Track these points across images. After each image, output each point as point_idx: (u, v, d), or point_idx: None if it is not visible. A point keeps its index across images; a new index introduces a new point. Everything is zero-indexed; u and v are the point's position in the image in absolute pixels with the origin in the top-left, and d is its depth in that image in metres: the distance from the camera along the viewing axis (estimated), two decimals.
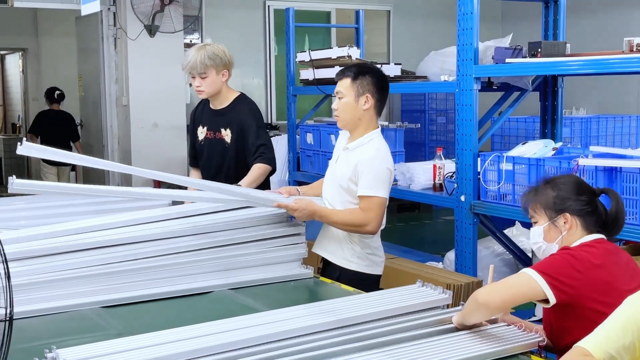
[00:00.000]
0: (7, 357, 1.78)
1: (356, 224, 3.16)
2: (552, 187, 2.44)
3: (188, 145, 4.60)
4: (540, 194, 2.45)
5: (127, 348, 2.11)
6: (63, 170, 9.07)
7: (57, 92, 9.05)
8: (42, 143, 8.88)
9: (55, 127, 8.82)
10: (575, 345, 1.86)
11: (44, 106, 9.68)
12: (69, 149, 9.02)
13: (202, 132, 4.06)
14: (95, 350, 2.09)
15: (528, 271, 2.27)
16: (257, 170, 3.82)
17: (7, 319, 1.77)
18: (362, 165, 3.16)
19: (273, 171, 3.95)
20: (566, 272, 2.24)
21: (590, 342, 1.84)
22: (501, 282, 2.31)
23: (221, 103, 3.99)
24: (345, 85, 3.22)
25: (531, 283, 2.23)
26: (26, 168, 11.77)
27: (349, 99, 3.22)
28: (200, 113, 4.14)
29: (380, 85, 3.25)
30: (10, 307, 1.78)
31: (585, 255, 2.28)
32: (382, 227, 3.33)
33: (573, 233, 2.39)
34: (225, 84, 3.96)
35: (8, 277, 1.76)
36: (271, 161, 3.88)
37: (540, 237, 2.45)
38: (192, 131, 4.19)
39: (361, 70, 3.24)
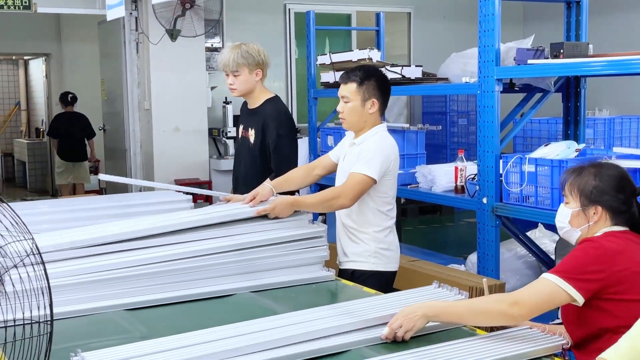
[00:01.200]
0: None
1: (329, 197, 3.23)
2: (594, 175, 2.39)
3: None
4: (582, 178, 2.41)
5: (150, 351, 2.13)
6: (79, 167, 9.64)
7: (70, 95, 9.64)
8: (60, 143, 9.44)
9: (72, 127, 9.43)
10: (598, 357, 1.83)
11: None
12: (85, 146, 9.56)
13: (240, 131, 4.10)
14: (120, 353, 2.11)
15: (551, 278, 2.24)
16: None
17: (49, 320, 1.79)
18: (363, 151, 3.28)
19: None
20: (591, 267, 2.24)
21: (614, 354, 1.80)
22: (528, 294, 2.27)
23: (254, 103, 4.01)
24: (351, 90, 3.31)
25: (556, 291, 2.23)
26: (50, 172, 11.89)
27: (355, 104, 3.31)
28: (242, 112, 4.17)
29: (384, 88, 3.36)
30: (50, 309, 1.79)
31: (607, 244, 2.28)
32: (393, 220, 3.41)
33: (600, 225, 2.38)
34: (259, 83, 3.96)
35: (47, 280, 1.78)
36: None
37: (566, 220, 2.44)
38: (236, 130, 4.30)
39: (366, 75, 3.31)
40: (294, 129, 4.05)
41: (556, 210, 3.83)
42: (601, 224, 2.38)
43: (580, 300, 2.23)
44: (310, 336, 2.25)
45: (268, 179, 3.54)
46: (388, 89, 3.39)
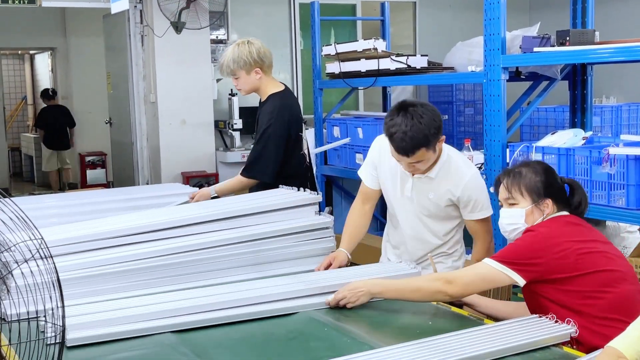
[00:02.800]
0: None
1: (485, 254, 2.96)
2: (534, 172, 2.57)
3: None
4: (525, 178, 2.56)
5: (121, 306, 2.44)
6: (63, 153, 10.89)
7: (51, 89, 10.98)
8: (46, 133, 10.53)
9: (57, 118, 10.63)
10: (607, 345, 1.85)
11: (74, 105, 9.93)
12: (67, 135, 10.82)
13: None
14: (92, 307, 2.41)
15: (490, 262, 2.42)
16: (235, 180, 3.98)
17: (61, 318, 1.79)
18: (466, 188, 2.99)
19: (266, 183, 3.82)
20: (528, 254, 2.40)
21: (622, 343, 1.82)
22: (464, 274, 2.51)
23: (263, 98, 4.05)
24: (422, 154, 2.87)
25: (494, 273, 2.41)
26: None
27: (430, 157, 2.92)
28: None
29: (439, 120, 2.89)
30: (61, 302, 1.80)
31: (544, 230, 2.45)
32: None
33: (549, 215, 2.55)
34: (264, 79, 3.97)
35: (57, 275, 1.79)
36: (257, 174, 3.87)
37: (521, 219, 2.55)
38: None
39: (426, 132, 2.82)
40: (288, 128, 3.92)
41: None
42: (549, 214, 2.55)
43: (520, 281, 2.40)
44: (265, 299, 2.54)
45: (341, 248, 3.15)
46: (439, 116, 2.92)
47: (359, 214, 3.27)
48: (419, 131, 2.79)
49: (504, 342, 2.14)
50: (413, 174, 3.02)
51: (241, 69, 3.90)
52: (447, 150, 3.03)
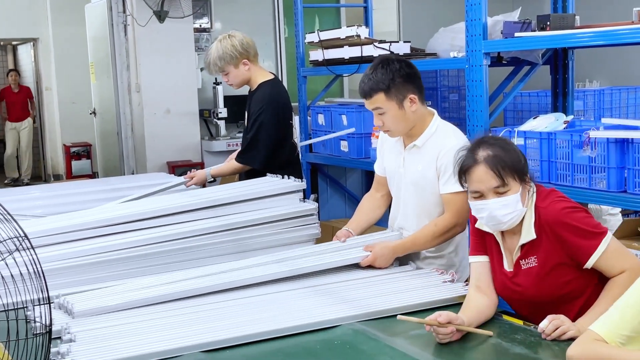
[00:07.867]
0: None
1: (443, 230, 2.86)
2: (505, 150, 2.31)
3: None
4: (506, 159, 2.29)
5: (127, 289, 2.51)
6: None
7: None
8: None
9: None
10: (588, 327, 1.83)
11: (57, 95, 9.90)
12: None
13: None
14: (96, 293, 2.48)
15: (610, 238, 2.28)
16: (229, 164, 4.03)
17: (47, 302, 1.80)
18: (447, 154, 2.79)
19: (258, 170, 3.87)
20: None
21: (602, 326, 1.79)
22: (631, 262, 2.25)
23: (253, 87, 4.08)
24: (381, 101, 2.82)
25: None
26: (42, 156, 11.90)
27: (393, 112, 2.84)
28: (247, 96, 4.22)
29: (413, 76, 2.88)
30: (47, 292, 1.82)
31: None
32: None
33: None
34: (253, 69, 4.02)
35: (41, 267, 1.80)
36: (249, 160, 3.93)
37: (519, 205, 2.30)
38: None
39: (389, 77, 2.81)
40: (279, 116, 3.97)
41: (548, 183, 3.85)
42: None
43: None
44: (249, 281, 2.62)
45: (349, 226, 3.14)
46: (415, 73, 2.90)
47: (368, 198, 3.27)
48: (380, 76, 2.81)
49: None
50: (385, 132, 2.96)
51: (228, 64, 3.93)
52: (437, 122, 2.97)
